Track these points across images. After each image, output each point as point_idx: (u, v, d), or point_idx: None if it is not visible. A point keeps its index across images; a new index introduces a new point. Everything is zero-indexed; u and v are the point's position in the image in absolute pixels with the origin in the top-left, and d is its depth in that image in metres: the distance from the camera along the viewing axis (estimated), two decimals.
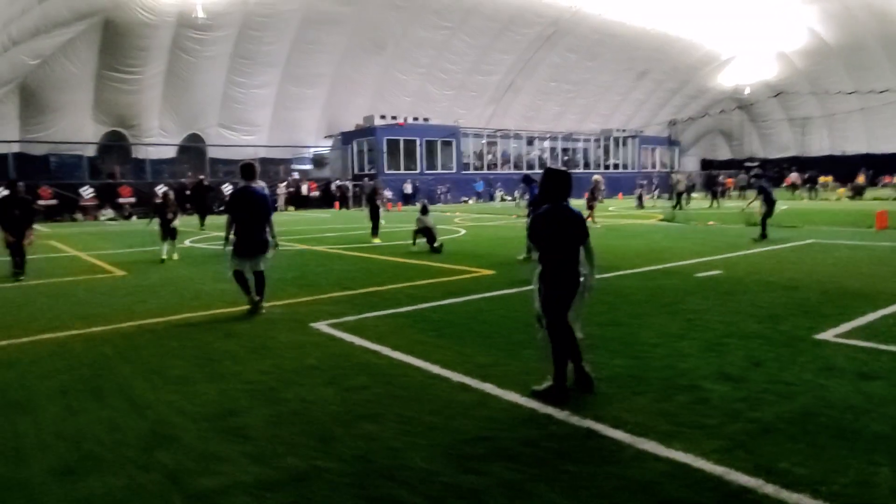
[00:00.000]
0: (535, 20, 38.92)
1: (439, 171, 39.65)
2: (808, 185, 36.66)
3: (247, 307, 7.35)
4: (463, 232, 18.31)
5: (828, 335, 5.73)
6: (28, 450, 3.69)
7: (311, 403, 4.33)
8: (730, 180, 37.11)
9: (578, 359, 4.49)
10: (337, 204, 34.63)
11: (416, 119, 39.54)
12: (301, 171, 39.62)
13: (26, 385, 4.90)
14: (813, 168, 48.78)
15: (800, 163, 55.75)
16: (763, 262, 10.85)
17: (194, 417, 4.13)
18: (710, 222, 19.69)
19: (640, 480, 3.14)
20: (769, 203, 13.98)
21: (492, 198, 40.43)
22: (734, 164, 57.50)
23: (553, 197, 4.57)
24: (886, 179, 43.93)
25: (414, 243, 13.65)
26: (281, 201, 33.92)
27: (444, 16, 36.63)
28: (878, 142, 50.50)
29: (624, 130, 49.77)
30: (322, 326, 6.60)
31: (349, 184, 35.88)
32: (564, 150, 46.78)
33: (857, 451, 3.39)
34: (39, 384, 4.91)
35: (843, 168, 49.38)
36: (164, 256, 12.44)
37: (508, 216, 26.32)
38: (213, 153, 35.94)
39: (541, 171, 5.02)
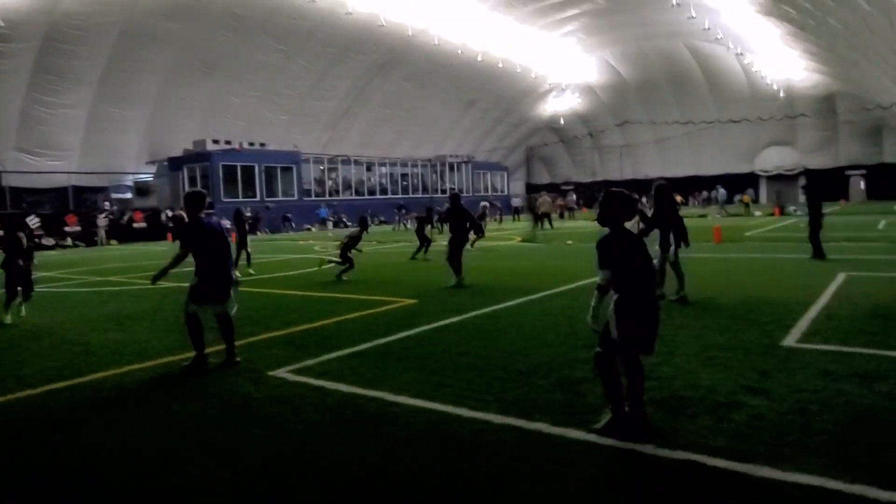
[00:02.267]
0: (372, 48, 39.11)
1: (280, 197, 37.97)
2: None
3: (189, 357, 6.22)
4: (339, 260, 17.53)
5: (790, 342, 6.22)
6: None
7: (368, 470, 3.67)
8: (561, 203, 40.07)
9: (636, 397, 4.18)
10: (170, 236, 31.54)
11: (251, 144, 37.63)
12: (121, 201, 35.59)
13: None
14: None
15: (609, 185, 62.00)
16: None
17: None
18: (568, 241, 20.94)
19: None
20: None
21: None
22: (553, 188, 62.31)
23: (617, 220, 4.21)
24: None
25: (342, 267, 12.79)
26: (102, 234, 30.23)
27: (280, 39, 35.38)
28: (671, 167, 57.81)
29: (457, 156, 51.73)
30: (285, 374, 5.76)
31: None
32: (403, 176, 47.40)
33: None
34: None
35: (644, 190, 55.61)
36: (9, 320, 9.06)
37: (370, 242, 25.86)
38: (11, 181, 30.98)
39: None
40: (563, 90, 56.99)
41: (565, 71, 53.50)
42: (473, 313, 8.52)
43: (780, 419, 4.18)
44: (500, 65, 44.57)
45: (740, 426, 4.09)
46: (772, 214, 33.59)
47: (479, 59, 42.38)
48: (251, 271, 14.56)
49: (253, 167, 36.53)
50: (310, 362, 6.15)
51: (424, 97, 47.22)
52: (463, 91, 48.82)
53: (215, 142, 35.27)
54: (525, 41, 44.13)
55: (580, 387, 5.04)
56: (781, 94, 49.07)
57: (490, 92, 50.71)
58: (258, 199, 36.48)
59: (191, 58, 33.67)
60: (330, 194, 42.13)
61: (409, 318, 8.37)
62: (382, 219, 42.43)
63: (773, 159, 54.64)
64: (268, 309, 9.53)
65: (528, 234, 23.56)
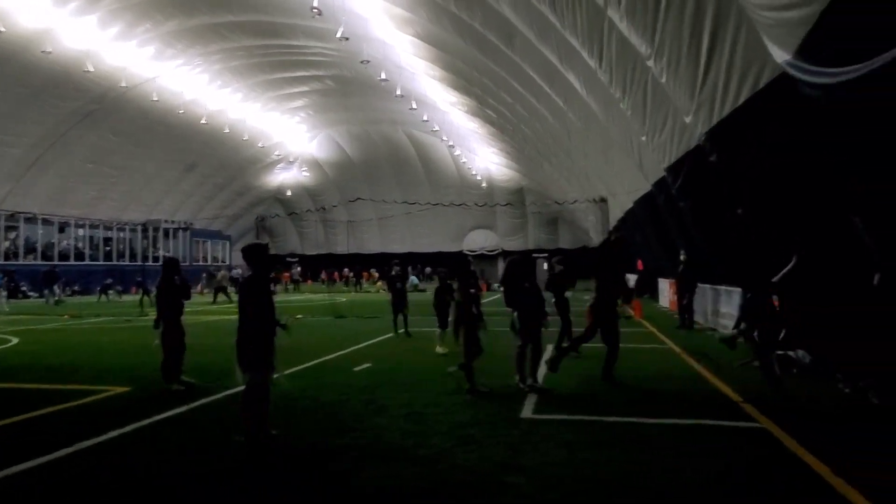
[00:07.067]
0: (75, 94, 34.47)
1: None
2: (353, 279, 41.63)
3: None
4: (15, 340, 14.32)
5: (528, 413, 6.64)
6: None
7: None
8: (286, 274, 39.23)
9: None
10: None
11: None
12: None
13: None
14: (343, 264, 55.83)
15: (332, 259, 62.89)
16: (388, 352, 11.80)
17: None
18: (298, 315, 20.33)
19: None
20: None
21: None
22: (278, 259, 60.91)
23: None
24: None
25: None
26: None
27: None
28: (391, 243, 61.13)
29: (173, 222, 47.65)
30: None
31: None
32: (106, 240, 41.86)
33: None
34: None
35: (364, 263, 57.49)
36: None
37: (52, 316, 21.84)
38: None
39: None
40: (291, 163, 57.15)
41: (293, 144, 53.91)
42: (203, 401, 7.49)
43: (544, 497, 4.29)
44: (227, 130, 42.98)
45: None
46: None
47: (203, 121, 40.30)
48: None
49: None
50: None
51: (137, 155, 42.86)
52: (183, 153, 45.63)
53: None
54: (253, 110, 43.48)
55: (355, 477, 4.64)
56: (483, 185, 56.04)
57: (213, 157, 48.32)
58: None
59: None
60: (7, 258, 35.10)
61: (123, 410, 7.02)
62: (76, 288, 36.69)
63: (478, 241, 61.48)
64: None
65: None
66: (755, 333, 8.03)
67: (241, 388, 5.63)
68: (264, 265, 5.84)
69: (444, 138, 46.32)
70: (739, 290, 12.21)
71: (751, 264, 10.95)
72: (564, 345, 9.82)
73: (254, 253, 5.85)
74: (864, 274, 6.82)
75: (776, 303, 8.91)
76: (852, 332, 7.43)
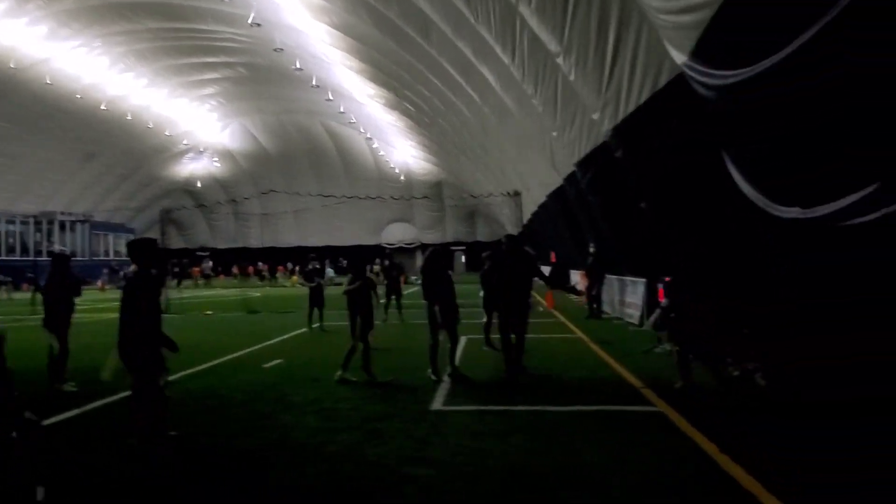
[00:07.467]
0: None
1: None
2: (267, 274, 40.60)
3: None
4: None
5: (437, 405, 6.69)
6: None
7: None
8: (196, 269, 37.72)
9: None
10: None
11: None
12: None
13: None
14: (257, 257, 54.31)
15: (245, 253, 60.96)
16: (300, 348, 11.58)
17: None
18: (207, 312, 19.61)
19: None
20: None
21: None
22: (187, 253, 58.43)
23: None
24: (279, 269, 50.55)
25: None
26: None
27: None
28: (308, 236, 59.93)
29: (70, 214, 44.66)
30: None
31: None
32: None
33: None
34: None
35: (280, 257, 56.02)
36: None
37: None
38: None
39: None
40: (201, 153, 54.85)
41: (203, 133, 51.76)
42: (97, 403, 7.07)
43: (449, 488, 4.33)
44: (129, 117, 40.69)
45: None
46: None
47: (104, 107, 37.98)
48: None
49: None
50: None
51: (29, 142, 39.88)
52: (81, 141, 42.84)
53: None
54: (159, 96, 41.36)
55: (261, 477, 4.51)
56: (402, 178, 55.90)
57: (115, 146, 45.65)
58: None
59: None
60: None
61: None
62: None
63: (396, 234, 61.32)
64: None
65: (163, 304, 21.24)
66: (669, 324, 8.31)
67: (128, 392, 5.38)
68: (155, 261, 5.53)
69: (362, 130, 45.88)
70: (644, 280, 12.81)
71: (656, 259, 11.45)
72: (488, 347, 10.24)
73: (141, 249, 5.49)
74: (755, 272, 7.29)
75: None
76: (743, 329, 7.95)
